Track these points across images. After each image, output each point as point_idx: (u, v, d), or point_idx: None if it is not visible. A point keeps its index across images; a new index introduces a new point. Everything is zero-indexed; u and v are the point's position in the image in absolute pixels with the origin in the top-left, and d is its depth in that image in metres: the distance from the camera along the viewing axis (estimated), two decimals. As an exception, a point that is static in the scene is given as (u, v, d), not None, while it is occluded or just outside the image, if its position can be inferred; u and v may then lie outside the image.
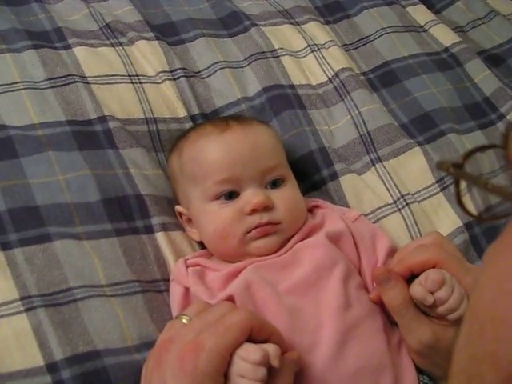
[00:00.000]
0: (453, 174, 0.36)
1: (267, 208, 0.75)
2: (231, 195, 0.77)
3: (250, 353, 0.59)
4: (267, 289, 0.70)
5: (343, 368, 0.67)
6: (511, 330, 0.32)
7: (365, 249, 0.78)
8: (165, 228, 0.81)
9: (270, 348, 0.60)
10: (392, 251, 0.78)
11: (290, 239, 0.77)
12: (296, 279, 0.72)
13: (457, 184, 0.38)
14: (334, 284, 0.71)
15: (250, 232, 0.75)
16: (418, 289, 0.67)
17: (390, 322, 0.74)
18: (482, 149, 0.38)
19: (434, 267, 0.69)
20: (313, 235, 0.77)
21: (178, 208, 0.83)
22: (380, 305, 0.73)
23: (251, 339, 0.61)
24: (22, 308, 0.69)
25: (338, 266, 0.73)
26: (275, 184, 0.79)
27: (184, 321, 0.63)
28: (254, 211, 0.75)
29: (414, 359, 0.71)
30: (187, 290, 0.75)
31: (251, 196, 0.75)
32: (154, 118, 0.92)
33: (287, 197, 0.78)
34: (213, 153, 0.78)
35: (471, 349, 0.35)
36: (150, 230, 0.80)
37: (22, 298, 0.70)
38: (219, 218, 0.76)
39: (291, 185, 0.81)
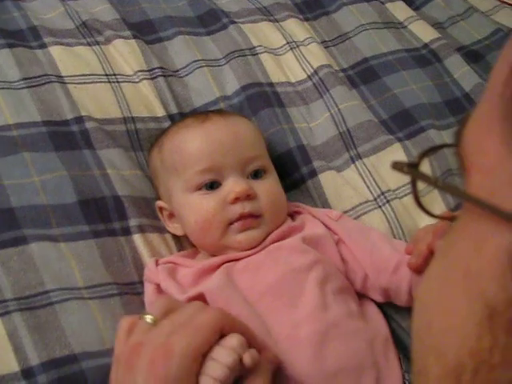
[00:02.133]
0: (407, 174, 0.38)
1: (249, 197, 0.75)
2: (212, 185, 0.76)
3: (226, 340, 0.59)
4: (238, 299, 0.70)
5: (323, 368, 0.66)
6: (456, 321, 0.32)
7: (355, 241, 0.77)
8: (142, 230, 0.80)
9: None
10: (387, 238, 0.78)
11: (268, 235, 0.76)
12: (270, 281, 0.71)
13: (413, 184, 0.38)
14: (311, 287, 0.71)
15: (232, 224, 0.75)
16: None
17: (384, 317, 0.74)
18: (437, 148, 0.40)
19: None
20: (290, 237, 0.77)
21: (160, 203, 0.82)
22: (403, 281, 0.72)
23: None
24: (-4, 313, 0.68)
25: (314, 269, 0.72)
26: (257, 175, 0.78)
27: (148, 320, 0.61)
28: (236, 200, 0.74)
29: None
30: (158, 286, 0.74)
31: (233, 184, 0.75)
32: (132, 117, 0.91)
33: (269, 188, 0.78)
34: (193, 143, 0.78)
35: (420, 341, 0.35)
36: (127, 231, 0.80)
37: (-4, 303, 0.68)
38: (201, 209, 0.75)
39: (273, 177, 0.81)
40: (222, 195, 0.75)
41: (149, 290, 0.75)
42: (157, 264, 0.76)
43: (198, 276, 0.73)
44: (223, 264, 0.74)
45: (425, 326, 0.35)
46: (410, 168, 0.37)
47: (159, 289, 0.74)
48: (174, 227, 0.81)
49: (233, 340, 0.59)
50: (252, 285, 0.71)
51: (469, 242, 0.32)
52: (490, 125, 0.32)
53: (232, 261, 0.74)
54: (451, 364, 0.32)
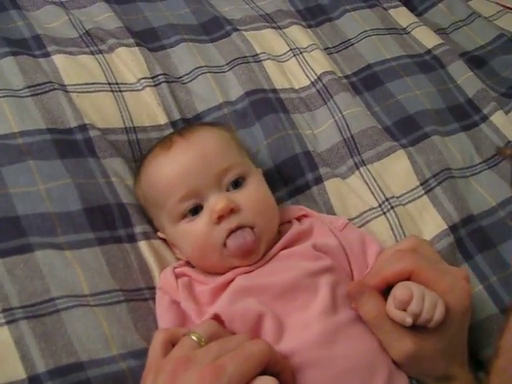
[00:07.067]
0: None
1: (233, 211, 0.74)
2: (196, 210, 0.76)
3: (266, 381, 0.60)
4: (253, 306, 0.70)
5: (332, 367, 0.66)
6: None
7: (355, 258, 0.78)
8: (147, 236, 0.80)
9: None
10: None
11: (274, 244, 0.76)
12: (284, 286, 0.71)
13: None
14: (323, 291, 0.71)
15: (225, 246, 0.73)
16: (394, 313, 0.67)
17: None
18: None
19: (409, 277, 0.69)
20: (299, 243, 0.77)
21: (159, 235, 0.82)
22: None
23: (264, 371, 0.61)
24: (3, 320, 0.67)
25: (327, 273, 0.73)
26: (237, 184, 0.77)
27: (194, 338, 0.63)
28: (221, 218, 0.73)
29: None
30: (175, 300, 0.74)
31: (213, 204, 0.74)
32: (134, 127, 0.91)
33: (252, 195, 0.77)
34: (164, 174, 0.77)
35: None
36: (132, 238, 0.80)
37: (3, 311, 0.68)
38: (192, 236, 0.75)
39: (255, 182, 0.79)
40: (207, 217, 0.74)
41: (164, 300, 0.74)
42: (174, 274, 0.76)
43: (213, 294, 0.73)
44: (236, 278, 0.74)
45: None
46: None
47: (176, 302, 0.74)
48: (178, 253, 0.81)
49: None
50: (266, 289, 0.71)
51: None
52: None
53: (244, 273, 0.74)
54: None
